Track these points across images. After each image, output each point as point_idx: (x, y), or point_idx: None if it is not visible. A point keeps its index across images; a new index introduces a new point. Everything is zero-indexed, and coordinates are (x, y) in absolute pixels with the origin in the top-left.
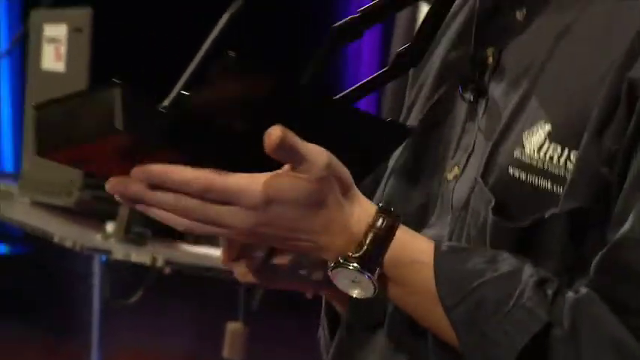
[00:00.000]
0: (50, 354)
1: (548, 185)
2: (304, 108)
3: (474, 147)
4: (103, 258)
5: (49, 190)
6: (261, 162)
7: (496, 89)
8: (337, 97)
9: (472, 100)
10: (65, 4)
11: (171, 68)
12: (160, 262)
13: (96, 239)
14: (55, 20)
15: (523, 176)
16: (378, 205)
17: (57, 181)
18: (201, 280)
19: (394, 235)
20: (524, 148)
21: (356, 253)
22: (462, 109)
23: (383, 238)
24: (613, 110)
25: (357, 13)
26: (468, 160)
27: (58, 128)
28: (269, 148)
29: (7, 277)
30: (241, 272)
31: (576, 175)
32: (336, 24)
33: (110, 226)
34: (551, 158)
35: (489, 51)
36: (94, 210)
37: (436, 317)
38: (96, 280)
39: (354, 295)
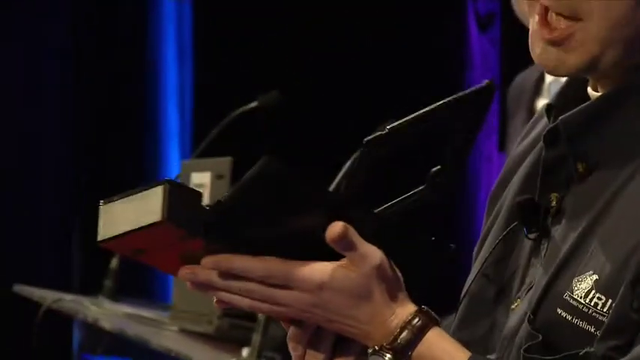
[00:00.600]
0: None
1: (592, 329)
2: (342, 216)
3: (532, 284)
4: None
5: (194, 319)
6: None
7: (557, 232)
8: (377, 211)
9: (536, 239)
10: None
11: None
12: None
13: None
14: (201, 169)
15: (569, 317)
16: (419, 306)
17: (200, 310)
18: None
19: (425, 334)
20: (572, 292)
21: (389, 344)
22: (526, 245)
23: (414, 336)
24: None
25: (385, 129)
26: (527, 294)
27: (117, 220)
28: (330, 239)
29: None
30: None
31: (612, 320)
32: (367, 138)
33: (245, 351)
34: (596, 305)
35: (553, 196)
36: (231, 336)
37: None
38: None
39: None
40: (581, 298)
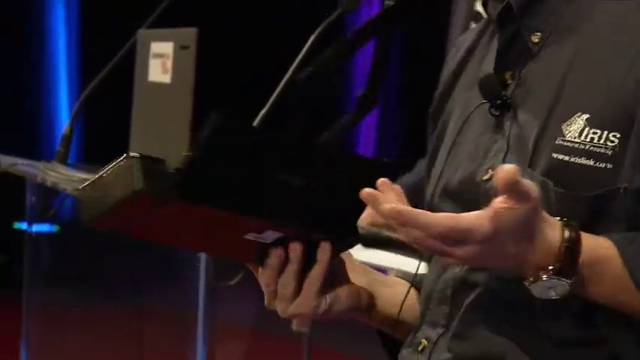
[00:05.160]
0: (159, 327)
1: (591, 162)
2: (296, 156)
3: (507, 151)
4: None
5: None
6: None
7: (522, 103)
8: (322, 140)
9: (498, 115)
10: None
11: (263, 79)
12: None
13: None
14: (162, 39)
15: (567, 158)
16: (560, 218)
17: None
18: None
19: (581, 242)
20: (565, 136)
21: (553, 265)
22: (482, 124)
23: (574, 248)
24: None
25: (309, 70)
26: (504, 161)
27: (95, 201)
28: (501, 182)
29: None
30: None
31: (635, 153)
32: (295, 77)
33: None
34: (592, 139)
35: (507, 74)
36: None
37: (630, 297)
38: (202, 264)
39: (551, 297)
40: (575, 138)
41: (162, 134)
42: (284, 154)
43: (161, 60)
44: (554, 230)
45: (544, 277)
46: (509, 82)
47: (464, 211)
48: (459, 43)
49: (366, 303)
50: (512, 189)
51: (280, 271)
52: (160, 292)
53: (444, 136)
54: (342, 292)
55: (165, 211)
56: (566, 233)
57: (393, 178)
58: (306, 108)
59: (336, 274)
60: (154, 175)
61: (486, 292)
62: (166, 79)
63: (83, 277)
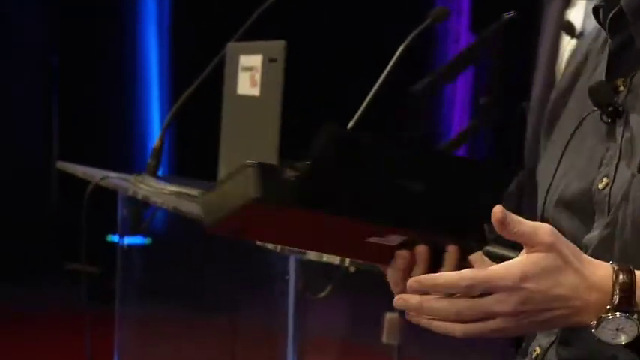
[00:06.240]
0: (250, 339)
1: None
2: (413, 163)
3: (619, 159)
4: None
5: None
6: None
7: (633, 109)
8: (439, 150)
9: (610, 123)
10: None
11: (351, 89)
12: (347, 262)
13: None
14: (251, 52)
15: None
16: (610, 262)
17: None
18: (371, 277)
19: (635, 280)
20: None
21: (611, 304)
22: (595, 132)
23: (629, 285)
24: None
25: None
26: (616, 170)
27: (216, 207)
28: (498, 229)
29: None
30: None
31: None
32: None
33: None
34: None
35: (619, 81)
36: None
37: None
38: (291, 277)
39: (620, 342)
40: None
41: (251, 147)
42: (400, 161)
43: (250, 73)
44: (602, 269)
45: (615, 315)
46: (621, 88)
47: (581, 223)
48: (575, 50)
49: None
50: (507, 230)
51: (408, 272)
52: (251, 304)
53: (551, 144)
54: None
55: (284, 216)
56: (620, 275)
57: (508, 183)
58: (420, 116)
59: None
60: (270, 184)
61: None
62: (255, 91)
63: (174, 289)
